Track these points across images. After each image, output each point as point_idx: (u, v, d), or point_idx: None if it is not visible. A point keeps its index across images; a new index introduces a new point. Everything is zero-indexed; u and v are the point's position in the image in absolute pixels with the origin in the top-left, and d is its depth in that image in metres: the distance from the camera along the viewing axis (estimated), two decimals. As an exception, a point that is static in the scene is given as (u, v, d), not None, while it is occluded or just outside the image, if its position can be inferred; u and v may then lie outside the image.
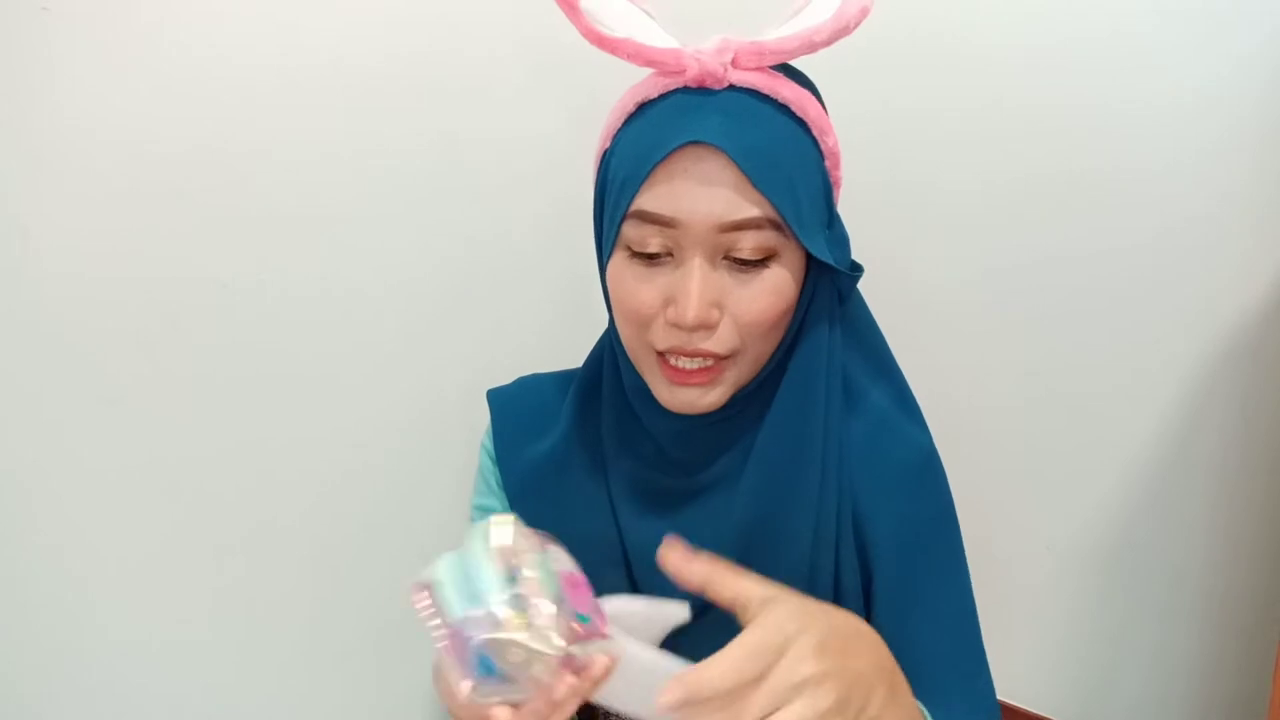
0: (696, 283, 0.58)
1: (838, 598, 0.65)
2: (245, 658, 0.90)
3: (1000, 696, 0.66)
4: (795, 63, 0.63)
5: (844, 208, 0.66)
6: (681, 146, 0.57)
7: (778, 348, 0.64)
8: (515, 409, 0.76)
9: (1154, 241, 1.02)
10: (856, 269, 0.66)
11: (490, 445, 0.75)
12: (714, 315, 0.59)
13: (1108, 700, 1.15)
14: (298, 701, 0.94)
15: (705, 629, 0.62)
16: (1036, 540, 1.14)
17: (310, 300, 0.88)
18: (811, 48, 0.58)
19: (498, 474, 0.74)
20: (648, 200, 0.58)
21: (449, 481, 0.93)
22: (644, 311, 0.61)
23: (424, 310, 0.95)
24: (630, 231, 0.60)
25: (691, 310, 0.58)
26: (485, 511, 0.75)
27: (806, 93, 0.61)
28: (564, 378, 0.76)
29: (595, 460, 0.71)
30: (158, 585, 0.83)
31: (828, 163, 0.62)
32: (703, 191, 0.57)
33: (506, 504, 0.73)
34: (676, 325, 0.59)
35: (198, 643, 0.86)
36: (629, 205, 0.59)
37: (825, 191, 0.62)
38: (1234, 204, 0.98)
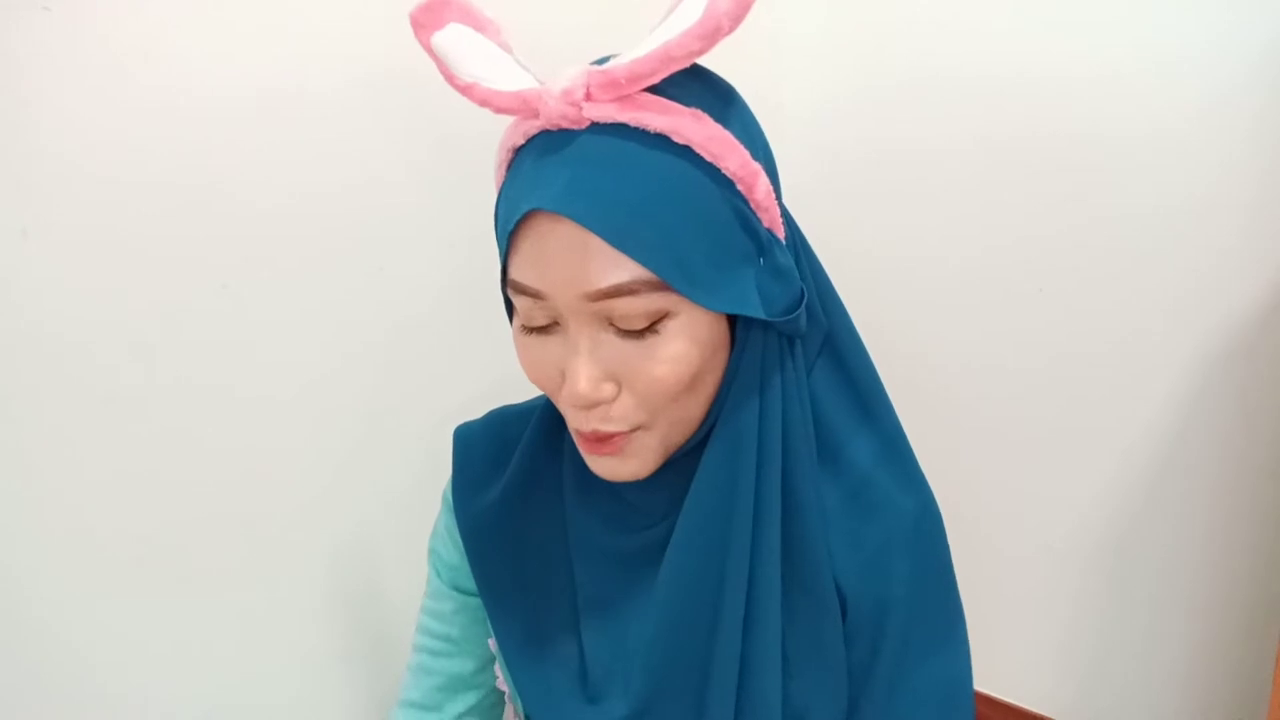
0: (580, 362, 0.52)
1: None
2: (244, 655, 0.90)
3: (1000, 695, 0.65)
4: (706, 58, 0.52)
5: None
6: (533, 213, 0.51)
7: (714, 402, 0.57)
8: (478, 450, 0.71)
9: (1152, 243, 1.02)
10: (796, 307, 0.55)
11: (450, 494, 0.71)
12: (606, 391, 0.53)
13: (1107, 699, 1.15)
14: (296, 699, 0.94)
15: None
16: (1035, 541, 1.14)
17: (314, 300, 0.88)
18: (673, 64, 0.49)
19: (453, 523, 0.70)
20: (515, 270, 0.53)
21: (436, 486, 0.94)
22: (546, 386, 0.56)
23: (426, 311, 0.95)
24: (515, 300, 0.54)
25: (579, 391, 0.52)
26: (440, 559, 0.73)
27: (691, 113, 0.50)
28: (532, 409, 0.70)
29: (553, 506, 0.66)
30: (154, 584, 0.83)
31: (740, 187, 0.52)
32: (561, 260, 0.50)
33: (461, 548, 0.70)
34: (570, 405, 0.54)
35: (196, 641, 0.86)
36: (505, 273, 0.54)
37: (738, 223, 0.52)
38: (1233, 203, 0.98)
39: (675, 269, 0.50)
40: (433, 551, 0.74)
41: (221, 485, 0.86)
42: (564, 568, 0.65)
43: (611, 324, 0.52)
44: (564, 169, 0.50)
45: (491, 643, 0.72)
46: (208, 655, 0.87)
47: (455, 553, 0.72)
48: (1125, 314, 1.05)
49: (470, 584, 0.71)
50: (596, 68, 0.50)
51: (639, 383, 0.53)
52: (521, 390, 0.74)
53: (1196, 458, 1.06)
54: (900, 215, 1.08)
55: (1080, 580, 1.13)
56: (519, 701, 0.70)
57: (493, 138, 0.62)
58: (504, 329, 0.98)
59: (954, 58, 1.04)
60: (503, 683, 0.72)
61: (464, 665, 0.73)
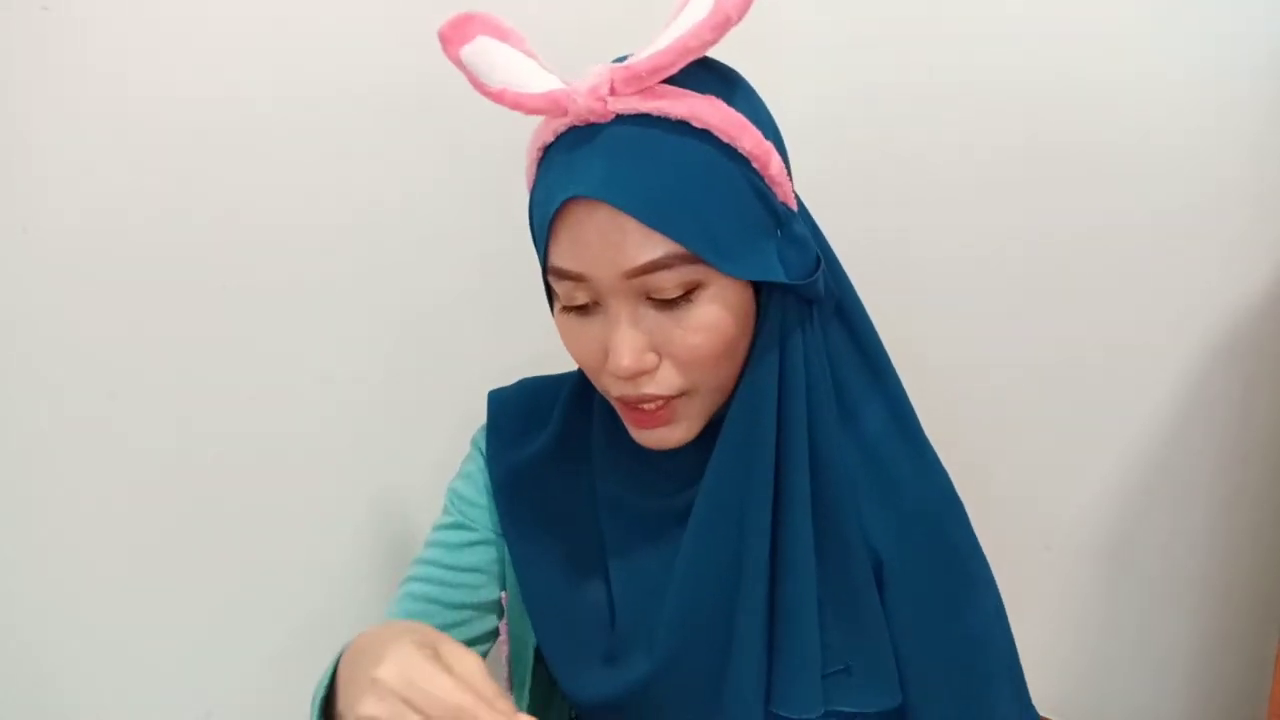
0: (622, 334, 0.57)
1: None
2: (247, 654, 0.90)
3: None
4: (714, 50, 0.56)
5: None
6: (570, 201, 0.55)
7: (743, 369, 0.61)
8: (512, 410, 0.75)
9: (1152, 238, 1.02)
10: (815, 272, 0.60)
11: (482, 442, 0.75)
12: (649, 361, 0.58)
13: (1106, 699, 1.15)
14: (298, 699, 0.94)
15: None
16: (1035, 539, 1.14)
17: (316, 298, 0.88)
18: (690, 54, 0.54)
19: (486, 473, 0.74)
20: (556, 256, 0.58)
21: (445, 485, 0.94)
22: (589, 363, 0.61)
23: (429, 308, 0.95)
24: (556, 286, 0.60)
25: (623, 364, 0.57)
26: (461, 497, 0.75)
27: (706, 99, 0.55)
28: (564, 380, 0.75)
29: (582, 471, 0.70)
30: (154, 577, 0.84)
31: (755, 165, 0.57)
32: (599, 242, 0.55)
33: (490, 500, 0.73)
34: (615, 376, 0.59)
35: (196, 636, 0.87)
36: (545, 261, 0.59)
37: (756, 198, 0.57)
38: (1232, 197, 0.98)
39: (704, 242, 0.55)
40: (452, 491, 0.76)
41: (224, 484, 0.86)
42: (592, 527, 0.68)
43: (648, 297, 0.57)
44: (596, 159, 0.55)
45: (504, 596, 0.73)
46: (209, 654, 0.87)
47: (476, 492, 0.74)
48: (1124, 312, 1.05)
49: (487, 522, 0.73)
50: (618, 64, 0.55)
51: (679, 350, 0.58)
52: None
53: (1196, 457, 1.06)
54: (900, 215, 1.08)
55: (1079, 580, 1.13)
56: (522, 665, 0.71)
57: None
58: (510, 323, 0.99)
59: (956, 60, 1.04)
60: (505, 641, 0.73)
61: (467, 596, 0.73)
